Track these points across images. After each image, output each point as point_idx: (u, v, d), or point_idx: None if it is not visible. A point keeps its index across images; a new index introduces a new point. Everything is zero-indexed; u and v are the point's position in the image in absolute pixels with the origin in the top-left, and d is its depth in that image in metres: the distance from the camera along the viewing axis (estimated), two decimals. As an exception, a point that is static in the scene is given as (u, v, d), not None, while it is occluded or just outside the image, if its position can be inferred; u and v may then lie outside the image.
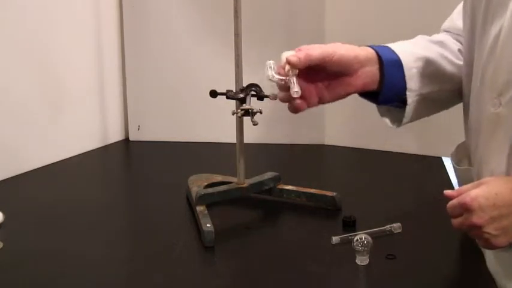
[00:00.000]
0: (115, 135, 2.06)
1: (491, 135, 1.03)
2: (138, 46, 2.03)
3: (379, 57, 1.14)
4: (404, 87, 1.14)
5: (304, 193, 1.47)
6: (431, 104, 1.17)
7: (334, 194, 1.44)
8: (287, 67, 1.07)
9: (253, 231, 1.36)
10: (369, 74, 1.13)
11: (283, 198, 1.48)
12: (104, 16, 1.98)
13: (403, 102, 1.15)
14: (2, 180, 1.65)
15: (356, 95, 1.18)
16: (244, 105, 1.35)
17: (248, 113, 1.33)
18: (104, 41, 1.98)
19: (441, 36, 1.22)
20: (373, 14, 1.89)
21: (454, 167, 1.15)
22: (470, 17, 1.08)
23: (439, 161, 1.61)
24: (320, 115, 1.95)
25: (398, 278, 1.13)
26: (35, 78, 1.76)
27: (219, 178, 1.52)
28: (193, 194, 1.40)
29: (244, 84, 1.38)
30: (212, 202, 1.39)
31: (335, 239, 1.25)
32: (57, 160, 1.82)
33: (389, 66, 1.14)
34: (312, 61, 1.08)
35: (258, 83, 1.38)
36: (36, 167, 1.75)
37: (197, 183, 1.48)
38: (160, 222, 1.41)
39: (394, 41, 1.86)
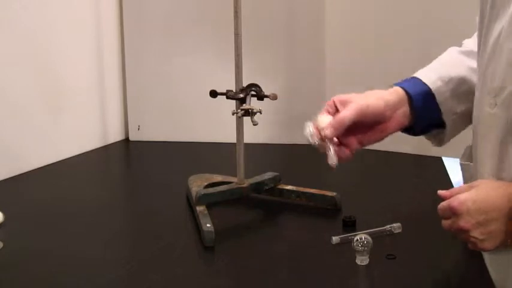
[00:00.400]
0: (115, 135, 2.06)
1: (486, 137, 1.04)
2: (138, 46, 2.03)
3: (408, 95, 1.16)
4: (440, 112, 1.16)
5: (304, 193, 1.47)
6: (469, 117, 1.16)
7: (334, 194, 1.44)
8: (323, 133, 1.12)
9: (253, 231, 1.36)
10: (402, 115, 1.17)
11: (283, 198, 1.48)
12: (104, 16, 1.98)
13: (442, 124, 1.17)
14: (2, 180, 1.65)
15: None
16: (244, 105, 1.35)
17: (248, 113, 1.33)
18: (104, 41, 1.98)
19: (471, 44, 1.21)
20: (373, 13, 1.89)
21: (460, 164, 1.17)
22: (480, 17, 1.08)
23: (439, 161, 1.61)
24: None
25: (398, 278, 1.13)
26: (35, 78, 1.76)
27: (219, 178, 1.52)
28: (193, 194, 1.40)
29: (244, 84, 1.38)
30: (212, 202, 1.39)
31: (335, 239, 1.25)
32: (57, 160, 1.82)
33: (420, 101, 1.16)
34: (346, 125, 1.12)
35: (258, 83, 1.38)
36: (36, 167, 1.75)
37: (197, 183, 1.48)
38: (161, 222, 1.41)
39: (393, 40, 1.88)
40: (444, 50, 1.83)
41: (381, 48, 1.88)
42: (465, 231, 1.00)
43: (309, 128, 1.14)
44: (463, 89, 1.15)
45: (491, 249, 1.00)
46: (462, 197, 1.00)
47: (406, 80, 1.20)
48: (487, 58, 1.03)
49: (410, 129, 1.19)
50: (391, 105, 1.16)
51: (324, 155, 1.11)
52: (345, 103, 1.15)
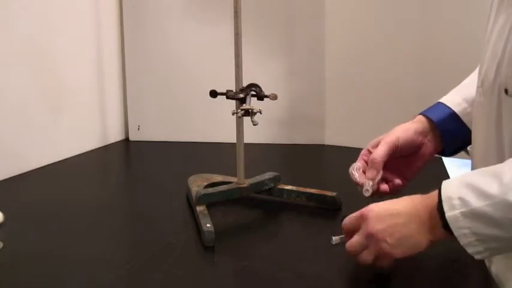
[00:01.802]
0: (115, 135, 2.06)
1: (477, 124, 1.09)
2: (138, 46, 2.03)
3: (431, 121, 1.25)
4: (469, 131, 1.19)
5: (304, 193, 1.47)
6: None
7: (334, 194, 1.44)
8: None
9: (253, 231, 1.36)
10: (433, 139, 1.26)
11: (283, 198, 1.48)
12: (104, 16, 1.98)
13: None
14: (2, 180, 1.65)
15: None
16: (244, 105, 1.35)
17: (248, 113, 1.33)
18: (104, 41, 1.98)
19: None
20: (373, 12, 1.89)
21: (468, 151, 1.24)
22: (489, 8, 1.11)
23: (439, 161, 1.61)
24: (320, 115, 1.95)
25: (398, 278, 1.13)
26: (35, 78, 1.76)
27: (219, 178, 1.52)
28: (193, 194, 1.41)
29: (244, 84, 1.38)
30: (212, 202, 1.40)
31: (335, 239, 1.24)
32: (57, 160, 1.82)
33: (446, 124, 1.24)
34: (380, 161, 1.24)
35: (258, 83, 1.38)
36: (36, 167, 1.75)
37: (197, 183, 1.48)
38: (160, 222, 1.41)
39: (394, 40, 1.88)
40: (444, 48, 1.84)
41: (382, 48, 1.88)
42: (374, 237, 1.03)
43: (355, 167, 1.27)
44: None
45: (401, 256, 1.03)
46: (371, 205, 1.07)
47: (430, 107, 1.28)
48: (481, 50, 1.07)
49: (445, 151, 1.28)
50: (419, 132, 1.24)
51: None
52: (376, 145, 1.25)
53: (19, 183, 1.66)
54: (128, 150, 2.04)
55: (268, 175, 1.48)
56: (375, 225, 1.03)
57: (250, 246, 1.29)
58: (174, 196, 1.52)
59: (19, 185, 1.65)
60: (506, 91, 0.98)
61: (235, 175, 1.44)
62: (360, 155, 1.29)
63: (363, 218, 1.06)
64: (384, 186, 1.25)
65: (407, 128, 1.24)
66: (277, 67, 1.96)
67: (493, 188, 0.92)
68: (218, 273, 1.19)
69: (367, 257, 1.06)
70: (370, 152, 1.27)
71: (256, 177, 1.47)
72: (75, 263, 1.20)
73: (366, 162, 1.27)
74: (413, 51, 1.84)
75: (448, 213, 0.95)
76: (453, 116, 1.23)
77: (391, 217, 1.02)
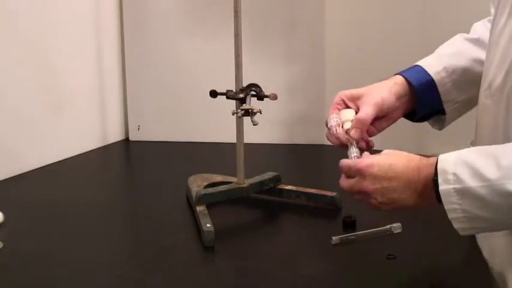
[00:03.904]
0: (115, 135, 2.06)
1: (482, 126, 1.08)
2: (138, 46, 2.03)
3: (411, 85, 1.21)
4: (441, 101, 1.20)
5: (304, 193, 1.47)
6: (471, 103, 1.21)
7: (334, 194, 1.44)
8: (350, 134, 1.17)
9: (253, 231, 1.36)
10: (406, 103, 1.22)
11: (283, 198, 1.48)
12: (104, 16, 1.98)
13: (443, 111, 1.22)
14: (2, 180, 1.65)
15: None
16: (244, 105, 1.35)
17: (248, 113, 1.33)
18: (104, 41, 1.98)
19: (479, 30, 1.25)
20: (373, 12, 1.89)
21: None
22: (494, 8, 1.10)
23: (438, 161, 1.61)
24: (320, 115, 1.95)
25: (399, 278, 1.13)
26: (35, 78, 1.76)
27: (219, 178, 1.52)
28: (193, 194, 1.41)
29: (244, 84, 1.38)
30: (212, 202, 1.40)
31: (335, 239, 1.25)
32: (57, 160, 1.82)
33: (422, 91, 1.21)
34: (369, 123, 1.18)
35: (258, 83, 1.38)
36: (36, 167, 1.75)
37: (197, 183, 1.48)
38: (161, 222, 1.41)
39: (393, 45, 1.88)
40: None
41: (381, 48, 1.88)
42: (367, 194, 1.03)
43: (334, 120, 1.19)
44: (465, 80, 1.19)
45: (389, 210, 1.05)
46: (369, 160, 1.05)
47: (410, 69, 1.24)
48: (489, 50, 1.06)
49: (412, 116, 1.24)
50: (398, 95, 1.20)
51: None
52: (355, 99, 1.20)
53: (19, 183, 1.66)
54: (127, 150, 2.04)
55: (268, 175, 1.48)
56: (369, 185, 1.03)
57: (250, 246, 1.29)
58: (174, 196, 1.52)
59: (19, 185, 1.65)
60: None
61: (235, 175, 1.44)
62: (333, 104, 1.23)
63: (360, 173, 1.05)
64: (362, 144, 1.20)
65: (389, 90, 1.21)
66: (277, 67, 1.96)
67: (490, 171, 0.93)
68: (218, 273, 1.19)
69: (358, 198, 1.07)
70: (344, 104, 1.22)
71: (256, 177, 1.47)
72: (74, 263, 1.21)
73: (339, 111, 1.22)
74: (414, 50, 1.84)
75: (442, 187, 0.96)
76: (430, 83, 1.21)
77: (388, 180, 1.02)
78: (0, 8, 1.64)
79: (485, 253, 1.15)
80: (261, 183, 1.46)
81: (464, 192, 0.94)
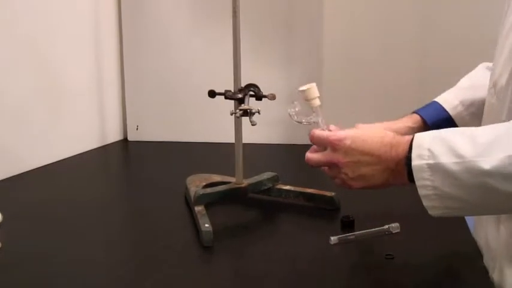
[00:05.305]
0: (113, 136, 2.06)
1: (486, 124, 1.06)
2: (136, 47, 2.03)
3: (425, 123, 1.23)
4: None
5: (302, 193, 1.47)
6: None
7: (333, 194, 1.44)
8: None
9: (251, 231, 1.36)
10: None
11: (281, 198, 1.48)
12: (103, 17, 1.98)
13: None
14: (0, 181, 1.65)
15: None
16: (242, 105, 1.35)
17: (247, 113, 1.33)
18: (102, 42, 1.98)
19: None
20: (371, 13, 1.89)
21: None
22: (506, 5, 1.11)
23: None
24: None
25: (397, 277, 1.13)
26: (34, 79, 1.76)
27: (217, 178, 1.52)
28: (192, 194, 1.41)
29: (243, 85, 1.38)
30: (210, 202, 1.40)
31: (333, 239, 1.25)
32: (56, 160, 1.82)
33: (438, 127, 1.19)
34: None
35: (256, 84, 1.38)
36: (35, 167, 1.75)
37: (195, 183, 1.48)
38: (159, 222, 1.41)
39: (392, 47, 1.88)
40: (442, 49, 1.84)
41: (380, 49, 1.88)
42: (337, 167, 1.02)
43: (293, 111, 1.19)
44: (483, 111, 1.17)
45: (358, 188, 1.05)
46: (343, 133, 1.05)
47: (426, 106, 1.25)
48: (497, 50, 1.06)
49: None
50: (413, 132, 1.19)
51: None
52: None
53: (18, 183, 1.66)
54: (126, 150, 2.04)
55: (266, 175, 1.48)
56: (341, 158, 1.03)
57: (248, 246, 1.29)
58: (172, 196, 1.52)
59: (18, 185, 1.65)
60: None
61: (233, 175, 1.44)
62: None
63: (332, 145, 1.05)
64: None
65: (404, 132, 1.22)
66: (275, 67, 1.97)
67: (464, 148, 0.92)
68: (216, 273, 1.19)
69: (327, 172, 1.08)
70: None
71: (255, 177, 1.47)
72: (73, 263, 1.20)
73: None
74: (411, 55, 1.85)
75: (415, 162, 0.96)
76: (447, 120, 1.23)
77: (360, 155, 1.02)
78: (0, 11, 1.64)
79: (481, 242, 1.15)
80: (260, 183, 1.46)
81: (436, 168, 0.94)
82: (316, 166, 1.09)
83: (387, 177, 1.01)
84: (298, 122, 1.19)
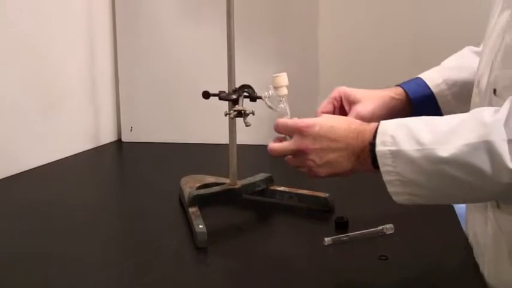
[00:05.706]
0: (108, 136, 2.06)
1: None
2: (131, 47, 2.03)
3: (410, 98, 1.23)
4: (439, 111, 1.22)
5: (296, 194, 1.47)
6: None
7: (327, 195, 1.44)
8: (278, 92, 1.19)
9: (245, 232, 1.36)
10: (402, 112, 1.23)
11: (275, 200, 1.48)
12: (97, 17, 1.97)
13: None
14: (-6, 181, 1.65)
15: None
16: (236, 106, 1.35)
17: (241, 114, 1.33)
18: (96, 42, 1.98)
19: None
20: (367, 12, 1.90)
21: None
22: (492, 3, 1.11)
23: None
24: (313, 115, 1.95)
25: (391, 278, 1.13)
26: (28, 79, 1.75)
27: (211, 179, 1.52)
28: (186, 195, 1.40)
29: (237, 85, 1.38)
30: (205, 203, 1.39)
31: (327, 240, 1.25)
32: (50, 161, 1.81)
33: (420, 103, 1.22)
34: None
35: (251, 84, 1.38)
36: (28, 168, 1.75)
37: (190, 185, 1.48)
38: (153, 223, 1.41)
39: (387, 44, 1.88)
40: (438, 47, 1.84)
41: (374, 47, 1.88)
42: (305, 153, 1.03)
43: (267, 95, 1.20)
44: (467, 92, 1.18)
45: (324, 176, 1.05)
46: (311, 120, 1.05)
47: (411, 81, 1.24)
48: (482, 50, 1.07)
49: None
50: (392, 112, 1.22)
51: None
52: (350, 102, 1.22)
53: (12, 184, 1.66)
54: (120, 151, 2.04)
55: (260, 176, 1.48)
56: (309, 144, 1.03)
57: (242, 247, 1.29)
58: (166, 197, 1.52)
59: (12, 186, 1.65)
60: (494, 91, 0.98)
61: (227, 176, 1.44)
62: (330, 98, 1.28)
63: (300, 131, 1.05)
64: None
65: (385, 104, 1.23)
66: (270, 67, 1.96)
67: (424, 136, 0.94)
68: (211, 274, 1.19)
69: (292, 162, 1.08)
70: (341, 101, 1.26)
71: (249, 178, 1.47)
72: (67, 264, 1.20)
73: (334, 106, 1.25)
74: (407, 49, 1.85)
75: (378, 148, 0.97)
76: (429, 97, 1.23)
77: (328, 141, 1.03)
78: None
79: (471, 238, 1.16)
80: (254, 184, 1.46)
81: (398, 155, 0.95)
82: (280, 156, 1.09)
83: (353, 164, 1.02)
84: (270, 107, 1.20)
